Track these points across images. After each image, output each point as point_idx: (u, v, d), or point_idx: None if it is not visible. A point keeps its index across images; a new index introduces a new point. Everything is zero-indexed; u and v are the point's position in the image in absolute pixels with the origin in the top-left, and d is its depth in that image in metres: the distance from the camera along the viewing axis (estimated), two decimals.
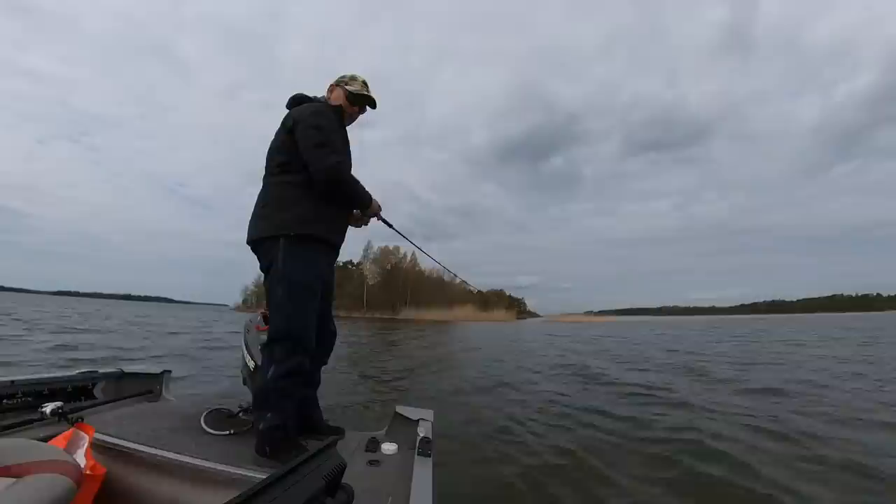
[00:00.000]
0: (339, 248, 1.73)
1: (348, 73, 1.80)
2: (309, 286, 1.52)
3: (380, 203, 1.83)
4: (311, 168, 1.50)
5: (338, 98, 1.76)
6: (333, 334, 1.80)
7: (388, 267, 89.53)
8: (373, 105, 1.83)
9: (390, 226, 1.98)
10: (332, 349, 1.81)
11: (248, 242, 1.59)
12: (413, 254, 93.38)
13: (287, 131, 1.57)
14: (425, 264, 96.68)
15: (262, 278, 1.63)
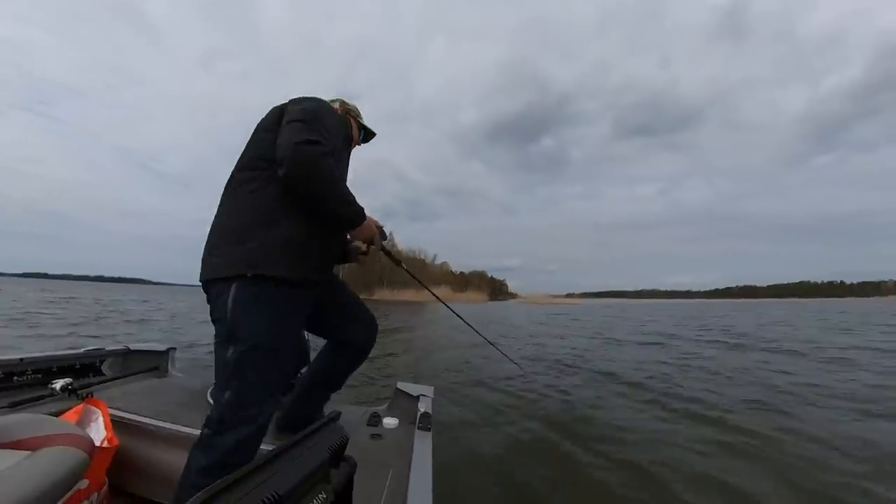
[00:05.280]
0: (325, 281, 1.28)
1: (349, 100, 1.60)
2: (270, 348, 1.08)
3: (382, 227, 1.36)
4: (277, 147, 1.08)
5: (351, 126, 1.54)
6: (367, 329, 1.50)
7: (364, 248, 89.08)
8: (369, 139, 1.68)
9: (398, 263, 1.62)
10: (371, 344, 1.50)
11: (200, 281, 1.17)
12: (390, 234, 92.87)
13: (276, 118, 1.18)
14: (402, 245, 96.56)
15: None
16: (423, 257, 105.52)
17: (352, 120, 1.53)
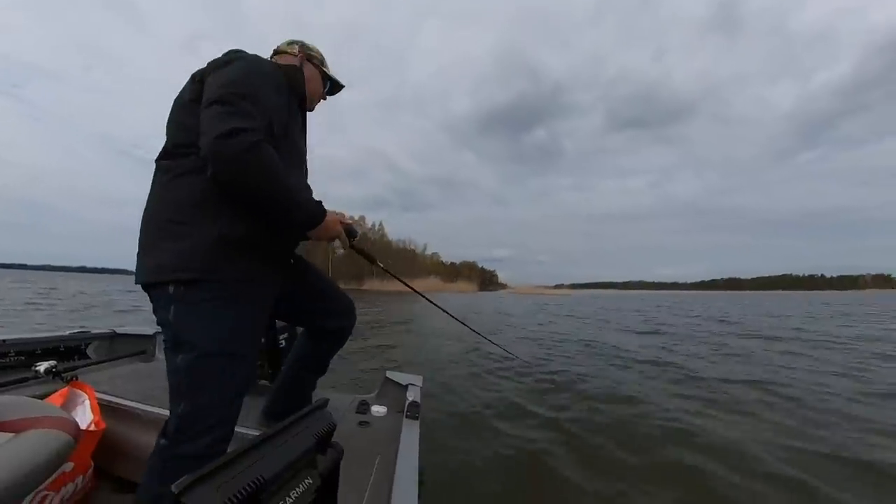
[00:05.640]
0: (285, 269, 1.12)
1: (309, 42, 1.29)
2: (224, 354, 0.93)
3: (351, 223, 1.15)
4: (200, 139, 0.88)
5: (311, 76, 1.24)
6: (346, 313, 1.38)
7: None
8: (336, 91, 1.43)
9: (373, 261, 1.40)
10: (351, 326, 1.39)
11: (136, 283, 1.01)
12: (380, 224, 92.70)
13: (196, 91, 0.96)
14: (392, 235, 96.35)
15: None
16: (413, 248, 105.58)
17: (315, 68, 1.27)
